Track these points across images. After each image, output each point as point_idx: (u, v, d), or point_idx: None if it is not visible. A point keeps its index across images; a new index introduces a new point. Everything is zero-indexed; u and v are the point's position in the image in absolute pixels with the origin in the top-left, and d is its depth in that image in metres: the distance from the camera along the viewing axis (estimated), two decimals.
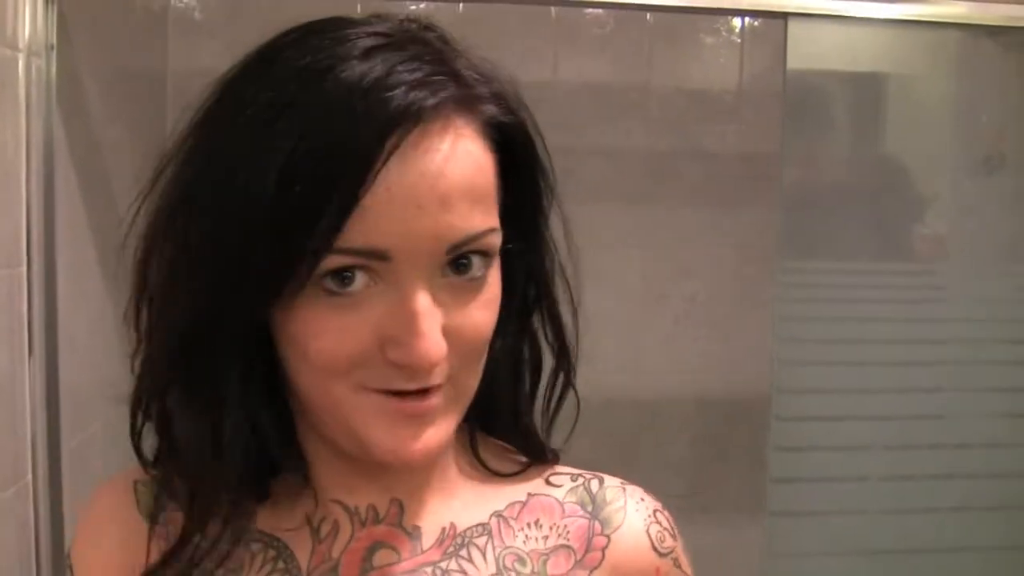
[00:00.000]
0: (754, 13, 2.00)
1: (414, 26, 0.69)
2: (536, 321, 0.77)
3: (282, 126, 0.62)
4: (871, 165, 1.88)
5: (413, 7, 2.07)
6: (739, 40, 2.25)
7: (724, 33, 2.25)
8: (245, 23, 2.09)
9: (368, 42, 0.64)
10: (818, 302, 1.85)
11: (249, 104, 0.64)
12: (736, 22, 2.23)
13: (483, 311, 0.67)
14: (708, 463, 2.37)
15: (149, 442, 0.77)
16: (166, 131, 2.21)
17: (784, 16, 1.63)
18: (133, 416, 0.75)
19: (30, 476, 1.41)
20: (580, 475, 0.80)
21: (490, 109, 0.67)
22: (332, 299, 0.63)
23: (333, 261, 0.62)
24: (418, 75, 0.63)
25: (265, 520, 0.75)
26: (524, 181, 0.71)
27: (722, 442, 2.36)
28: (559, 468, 0.81)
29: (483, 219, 0.65)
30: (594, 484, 0.80)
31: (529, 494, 0.78)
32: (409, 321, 0.63)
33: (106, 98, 1.70)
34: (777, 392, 1.78)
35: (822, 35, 1.68)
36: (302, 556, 0.74)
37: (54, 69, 1.44)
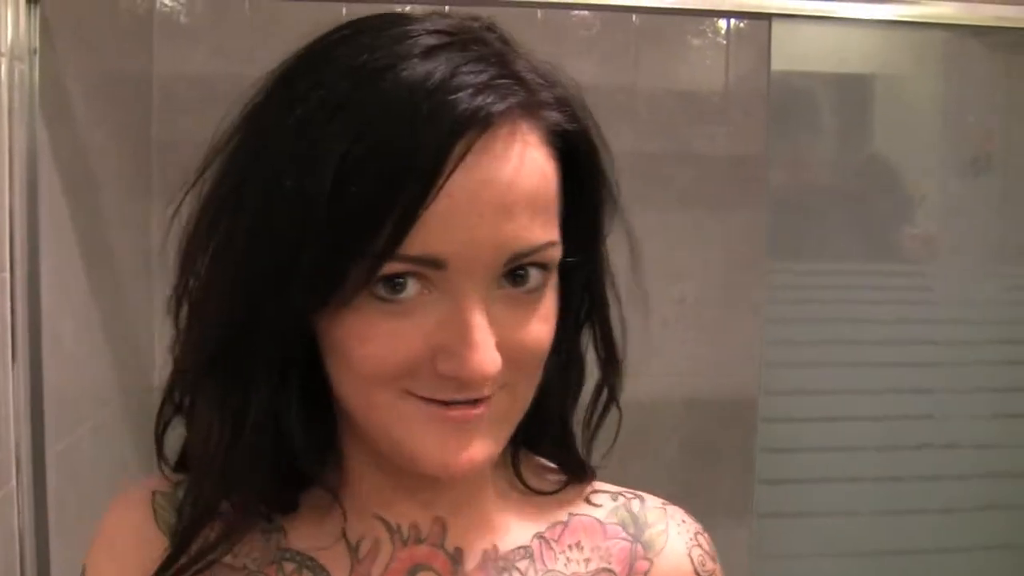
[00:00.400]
0: (738, 14, 2.00)
1: (475, 25, 0.65)
2: (586, 335, 0.74)
3: (336, 127, 0.59)
4: (858, 166, 1.88)
5: (399, 9, 2.06)
6: (725, 42, 2.25)
7: (710, 35, 2.25)
8: (231, 27, 2.08)
9: (429, 40, 0.61)
10: (806, 303, 1.85)
11: (299, 102, 0.61)
12: (722, 23, 2.23)
13: (540, 324, 0.64)
14: (697, 465, 2.37)
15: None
16: (152, 135, 2.21)
17: (768, 17, 1.63)
18: (161, 410, 0.73)
19: (14, 482, 1.40)
20: (620, 494, 0.78)
21: (554, 116, 0.64)
22: (382, 305, 0.61)
23: (388, 268, 0.59)
24: (483, 78, 0.60)
25: (297, 537, 0.72)
26: (585, 192, 0.68)
27: (711, 444, 2.36)
28: (598, 485, 0.79)
29: (544, 231, 0.62)
30: (635, 504, 0.78)
31: (570, 514, 0.76)
32: (463, 332, 0.60)
33: (90, 102, 1.70)
34: (765, 394, 1.78)
35: (807, 36, 1.68)
36: None
37: (37, 73, 1.43)
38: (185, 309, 0.68)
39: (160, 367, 2.12)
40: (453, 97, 0.58)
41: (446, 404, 0.63)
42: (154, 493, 0.75)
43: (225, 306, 0.64)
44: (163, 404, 0.72)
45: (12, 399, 1.39)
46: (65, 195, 1.59)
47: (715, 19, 2.20)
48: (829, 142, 1.87)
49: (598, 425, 0.76)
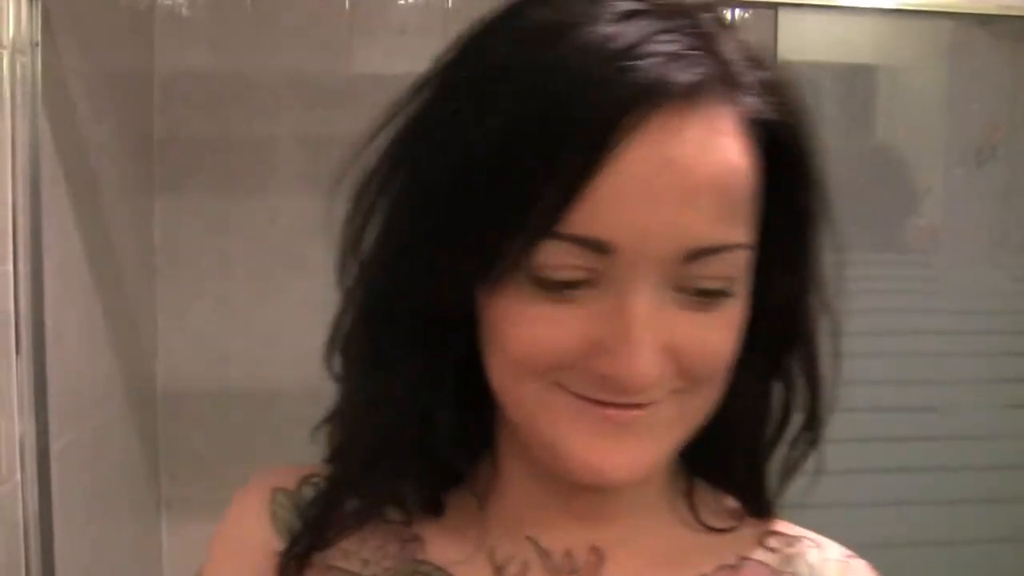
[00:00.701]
0: (744, 4, 1.99)
1: (689, 1, 0.58)
2: (794, 365, 0.66)
3: (507, 86, 0.53)
4: (862, 157, 1.88)
5: (402, 1, 2.06)
6: None
7: None
8: (232, 21, 2.08)
9: (627, 5, 0.54)
10: None
11: (480, 59, 0.56)
12: (727, 14, 2.22)
13: (720, 333, 0.57)
14: None
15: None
16: (153, 129, 2.20)
17: (774, 7, 1.62)
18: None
19: (19, 476, 1.40)
20: (798, 539, 0.70)
21: (757, 102, 0.56)
22: (541, 289, 0.54)
23: (545, 248, 0.53)
24: (675, 48, 0.53)
25: (436, 547, 0.65)
26: (788, 196, 0.59)
27: None
28: (776, 525, 0.70)
29: (731, 231, 0.55)
30: (813, 554, 0.69)
31: (740, 557, 0.67)
32: (624, 330, 0.53)
33: (92, 96, 1.69)
34: None
35: (813, 26, 1.68)
36: None
37: (39, 67, 1.42)
38: (351, 275, 0.63)
39: (162, 362, 2.12)
40: (635, 63, 0.51)
41: (600, 404, 0.56)
42: (275, 491, 0.69)
43: (384, 271, 0.60)
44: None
45: (16, 393, 1.39)
46: (67, 189, 1.58)
47: (720, 9, 2.20)
48: (833, 132, 1.87)
49: (796, 465, 0.67)
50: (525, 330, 0.55)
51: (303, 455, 2.16)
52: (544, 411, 0.57)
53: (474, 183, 0.54)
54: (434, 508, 0.65)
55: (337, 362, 0.64)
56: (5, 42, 1.36)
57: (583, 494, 0.63)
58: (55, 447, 1.47)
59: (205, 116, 2.09)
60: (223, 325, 2.13)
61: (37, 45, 1.42)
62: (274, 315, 2.11)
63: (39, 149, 1.43)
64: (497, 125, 0.53)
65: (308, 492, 0.68)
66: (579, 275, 0.54)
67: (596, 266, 0.54)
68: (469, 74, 0.57)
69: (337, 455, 0.66)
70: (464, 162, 0.54)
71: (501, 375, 0.58)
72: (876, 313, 1.85)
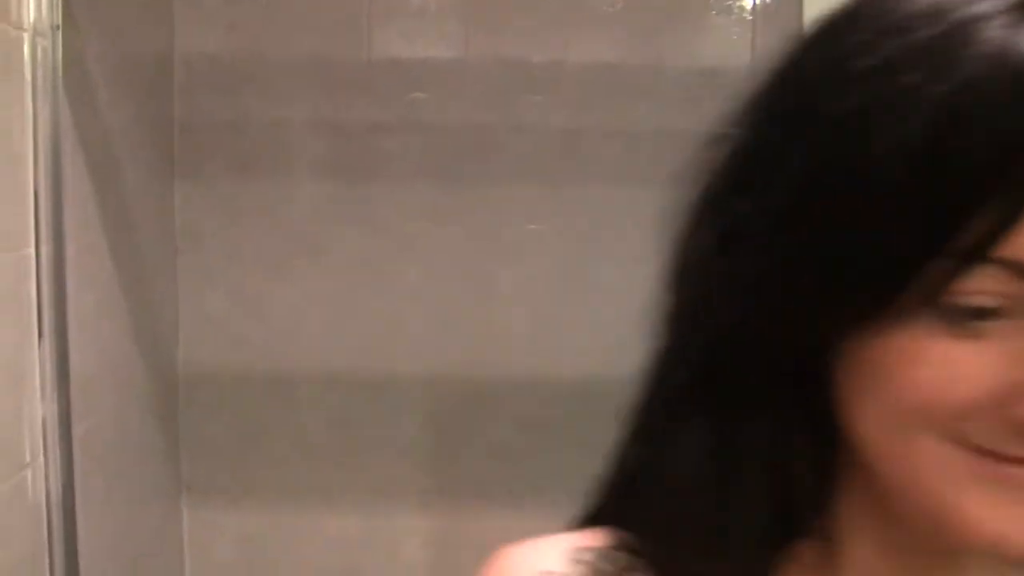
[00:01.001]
0: None
1: None
2: None
3: (924, 78, 0.47)
4: None
5: None
6: (751, 17, 2.23)
7: (736, 11, 2.22)
8: (252, 4, 2.08)
9: None
10: None
11: (866, 51, 0.49)
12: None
13: None
14: None
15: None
16: (174, 113, 2.20)
17: None
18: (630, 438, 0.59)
19: (42, 458, 1.41)
20: None
21: None
22: (946, 324, 0.47)
23: (974, 275, 0.46)
24: None
25: None
26: None
27: None
28: None
29: None
30: None
31: None
32: None
33: (112, 79, 1.70)
34: None
35: None
36: None
37: (60, 50, 1.43)
38: (673, 310, 0.56)
39: (183, 346, 2.13)
40: None
41: (1008, 460, 0.48)
42: None
43: (732, 308, 0.53)
44: (627, 436, 0.59)
45: (39, 376, 1.40)
46: (88, 173, 1.59)
47: None
48: None
49: None
50: (929, 372, 0.48)
51: (321, 439, 2.16)
52: (938, 469, 0.49)
53: (883, 197, 0.47)
54: None
55: (651, 415, 0.58)
56: (26, 25, 1.37)
57: (938, 563, 0.56)
58: (77, 430, 1.48)
59: (225, 100, 2.10)
60: (242, 309, 2.14)
61: (58, 28, 1.42)
62: (293, 300, 2.12)
63: (60, 132, 1.43)
64: (920, 129, 0.46)
65: (583, 572, 0.58)
66: (994, 305, 0.47)
67: (1018, 295, 0.47)
68: (856, 65, 0.49)
69: (654, 531, 0.58)
70: (864, 173, 0.48)
71: (880, 426, 0.51)
72: None
